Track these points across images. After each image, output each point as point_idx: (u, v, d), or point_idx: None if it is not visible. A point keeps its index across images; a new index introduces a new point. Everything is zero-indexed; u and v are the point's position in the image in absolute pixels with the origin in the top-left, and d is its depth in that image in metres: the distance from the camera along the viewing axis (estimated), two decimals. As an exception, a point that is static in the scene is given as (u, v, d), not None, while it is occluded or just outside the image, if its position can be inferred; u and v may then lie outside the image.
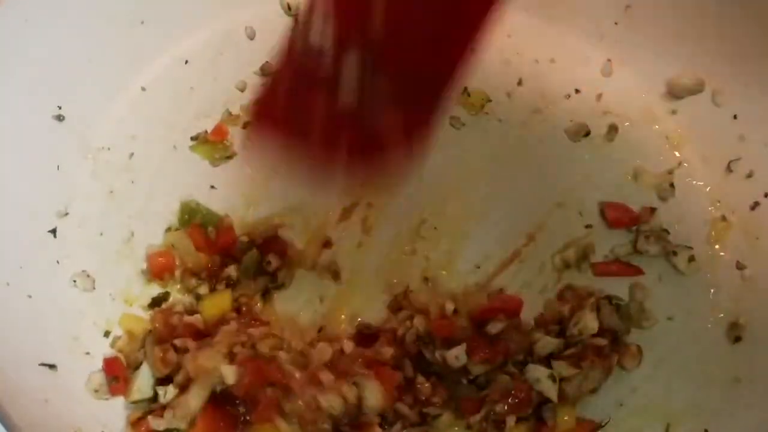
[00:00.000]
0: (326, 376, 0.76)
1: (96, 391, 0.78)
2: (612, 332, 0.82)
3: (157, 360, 0.77)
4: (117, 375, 0.79)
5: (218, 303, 0.82)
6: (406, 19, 0.63)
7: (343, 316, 0.85)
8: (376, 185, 0.82)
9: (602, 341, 0.81)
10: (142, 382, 0.78)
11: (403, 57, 0.64)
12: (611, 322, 0.82)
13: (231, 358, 0.76)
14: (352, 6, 0.63)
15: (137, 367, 0.79)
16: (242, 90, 0.93)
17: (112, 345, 0.81)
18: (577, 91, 0.94)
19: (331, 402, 0.75)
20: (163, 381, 0.78)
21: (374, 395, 0.76)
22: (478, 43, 0.66)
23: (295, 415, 0.75)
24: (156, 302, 0.83)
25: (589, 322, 0.81)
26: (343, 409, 0.76)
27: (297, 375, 0.76)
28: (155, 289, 0.84)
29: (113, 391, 0.79)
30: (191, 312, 0.81)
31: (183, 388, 0.76)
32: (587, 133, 0.92)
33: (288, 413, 0.75)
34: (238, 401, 0.76)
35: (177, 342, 0.78)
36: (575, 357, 0.80)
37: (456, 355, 0.78)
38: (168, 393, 0.77)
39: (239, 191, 0.89)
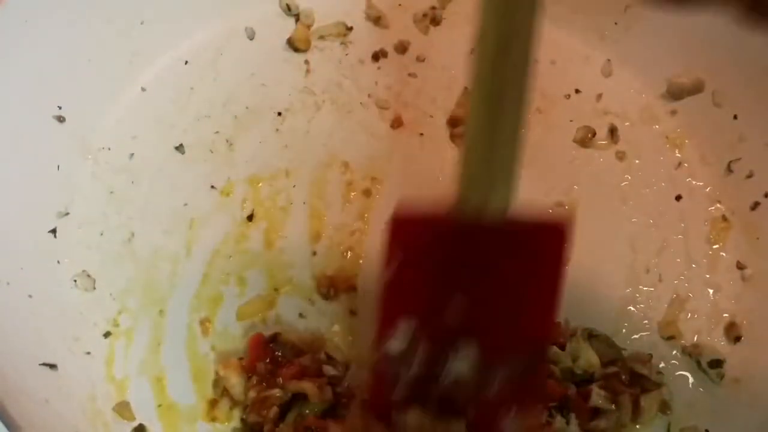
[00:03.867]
0: None
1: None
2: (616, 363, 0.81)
3: None
4: None
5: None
6: (489, 306, 0.64)
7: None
8: None
9: (614, 368, 0.80)
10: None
11: (500, 341, 0.64)
12: (609, 353, 0.81)
13: None
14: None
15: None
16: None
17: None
18: (577, 91, 0.94)
19: None
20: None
21: None
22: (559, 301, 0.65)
23: None
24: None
25: (591, 356, 0.80)
26: None
27: None
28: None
29: None
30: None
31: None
32: (593, 135, 0.92)
33: None
34: None
35: None
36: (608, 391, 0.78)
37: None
38: None
39: (239, 191, 0.90)
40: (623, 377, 0.80)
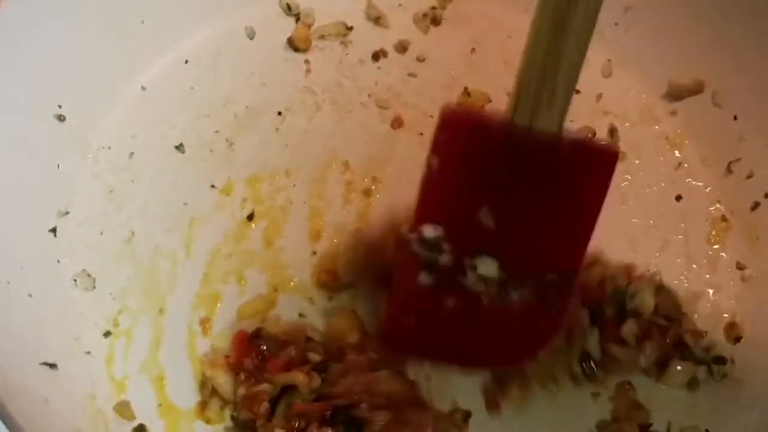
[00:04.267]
0: None
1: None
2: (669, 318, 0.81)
3: None
4: None
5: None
6: (521, 225, 0.63)
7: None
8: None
9: (663, 321, 0.80)
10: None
11: (526, 258, 0.64)
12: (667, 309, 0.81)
13: None
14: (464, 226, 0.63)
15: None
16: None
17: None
18: (577, 91, 0.94)
19: None
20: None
21: None
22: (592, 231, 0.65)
23: None
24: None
25: (647, 298, 0.80)
26: None
27: None
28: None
29: None
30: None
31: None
32: (593, 135, 0.92)
33: None
34: None
35: None
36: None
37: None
38: None
39: (239, 191, 0.90)
40: (669, 333, 0.80)
